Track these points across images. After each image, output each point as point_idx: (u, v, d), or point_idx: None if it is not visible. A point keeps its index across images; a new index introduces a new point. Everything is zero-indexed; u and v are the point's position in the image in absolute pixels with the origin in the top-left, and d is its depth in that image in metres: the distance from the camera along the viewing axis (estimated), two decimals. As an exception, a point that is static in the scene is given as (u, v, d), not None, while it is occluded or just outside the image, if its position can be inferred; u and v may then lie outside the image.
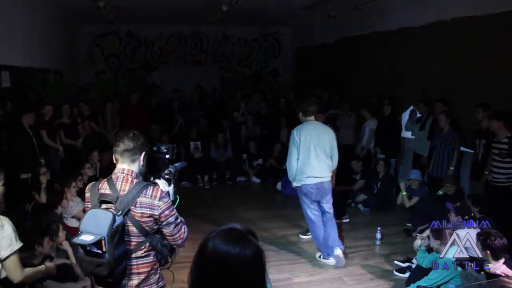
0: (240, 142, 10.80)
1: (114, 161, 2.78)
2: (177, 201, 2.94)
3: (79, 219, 5.99)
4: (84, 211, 2.76)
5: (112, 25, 12.37)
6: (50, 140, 7.61)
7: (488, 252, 3.75)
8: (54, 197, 5.61)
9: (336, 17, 9.63)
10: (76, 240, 2.50)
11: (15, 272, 3.09)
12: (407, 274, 5.02)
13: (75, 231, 5.82)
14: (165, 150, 3.11)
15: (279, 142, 10.04)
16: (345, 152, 8.94)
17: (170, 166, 3.03)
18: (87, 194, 2.78)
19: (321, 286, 4.96)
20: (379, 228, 6.21)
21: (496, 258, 3.75)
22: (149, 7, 10.37)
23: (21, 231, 3.54)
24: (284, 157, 9.64)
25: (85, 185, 6.79)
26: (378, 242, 6.15)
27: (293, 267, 5.42)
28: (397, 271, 5.26)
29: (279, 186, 9.01)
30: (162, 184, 2.85)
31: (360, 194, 7.89)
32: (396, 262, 5.46)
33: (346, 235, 6.55)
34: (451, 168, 6.73)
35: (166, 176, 2.94)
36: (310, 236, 6.03)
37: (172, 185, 2.95)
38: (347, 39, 10.46)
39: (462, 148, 6.90)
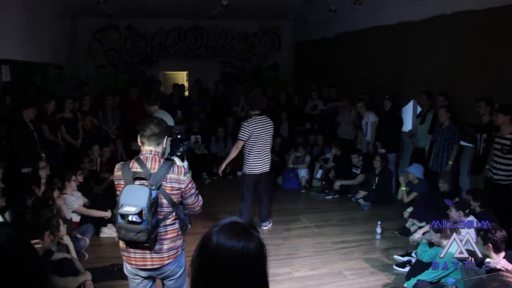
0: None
1: (140, 144, 3.17)
2: (190, 174, 3.30)
3: (79, 214, 6.03)
4: (117, 189, 3.18)
5: (112, 19, 12.32)
6: (51, 135, 7.61)
7: (490, 245, 3.76)
8: (47, 193, 5.61)
9: (336, 11, 9.60)
10: (121, 210, 2.91)
11: None
12: (406, 269, 5.04)
13: (75, 226, 5.87)
14: (177, 131, 3.72)
15: (279, 137, 10.03)
16: (345, 147, 8.98)
17: (182, 144, 3.62)
18: (118, 173, 3.14)
19: (321, 281, 4.97)
20: (379, 223, 6.22)
21: (498, 250, 3.76)
22: (149, 1, 10.33)
23: (21, 225, 3.55)
24: (284, 152, 9.75)
25: (85, 179, 6.88)
26: (378, 237, 6.16)
27: (293, 262, 5.43)
28: (396, 265, 5.27)
29: (279, 180, 9.03)
30: (177, 160, 3.37)
31: (360, 189, 7.90)
32: (395, 256, 5.47)
33: (347, 229, 6.57)
34: (450, 162, 6.73)
35: (179, 154, 3.49)
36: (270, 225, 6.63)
37: (185, 161, 3.47)
38: (347, 33, 10.42)
39: (462, 143, 6.89)
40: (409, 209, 6.43)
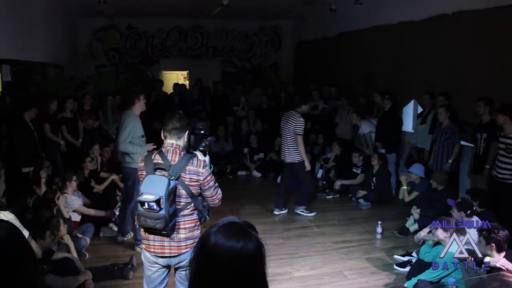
0: (241, 136, 10.81)
1: (163, 138, 3.33)
2: (212, 168, 3.50)
3: (80, 213, 6.03)
4: (139, 179, 3.31)
5: (112, 19, 12.33)
6: (53, 134, 7.61)
7: (494, 245, 3.75)
8: (48, 195, 5.61)
9: (336, 11, 9.59)
10: (141, 198, 3.06)
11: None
12: (407, 269, 5.03)
13: (76, 225, 5.88)
14: (201, 127, 3.87)
15: (279, 136, 10.03)
16: (344, 146, 8.99)
17: (205, 140, 3.77)
18: (141, 164, 3.30)
19: (322, 280, 4.97)
20: (379, 222, 6.22)
21: (500, 250, 3.76)
22: (149, 1, 10.34)
23: (22, 225, 3.57)
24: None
25: (86, 179, 6.88)
26: (378, 236, 6.16)
27: (293, 261, 5.43)
28: (397, 265, 5.27)
29: (279, 180, 9.01)
30: (200, 155, 3.51)
31: (360, 189, 7.90)
32: (396, 256, 5.46)
33: (347, 229, 6.57)
34: (450, 161, 6.72)
35: (202, 148, 3.66)
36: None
37: (207, 155, 3.62)
38: (347, 33, 10.41)
39: (462, 142, 6.89)
40: (418, 210, 6.39)
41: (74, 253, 4.96)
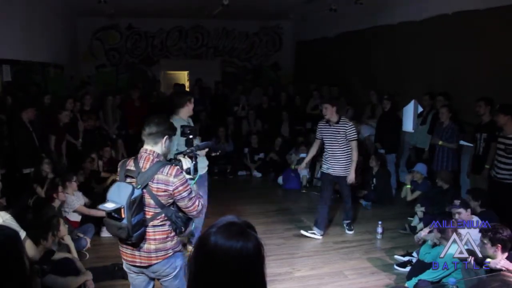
0: (241, 136, 10.81)
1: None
2: (197, 176, 3.37)
3: (80, 214, 6.03)
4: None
5: (112, 18, 12.33)
6: (56, 148, 7.57)
7: (499, 246, 3.73)
8: (50, 191, 5.61)
9: (337, 11, 9.59)
10: (101, 206, 2.97)
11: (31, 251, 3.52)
12: (407, 269, 5.03)
13: (76, 225, 5.88)
14: (188, 131, 3.63)
15: (280, 136, 10.04)
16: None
17: (194, 145, 3.54)
18: (118, 169, 3.22)
19: (322, 280, 4.97)
20: (380, 222, 6.21)
21: (506, 250, 3.75)
22: (150, 1, 10.33)
23: (22, 225, 3.57)
24: (285, 151, 9.76)
25: (86, 179, 6.89)
26: (379, 236, 6.16)
27: (294, 261, 5.43)
28: (397, 265, 5.27)
29: (280, 180, 9.03)
30: (185, 161, 3.29)
31: (359, 188, 7.89)
32: (396, 256, 5.47)
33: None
34: (440, 142, 6.70)
35: (190, 154, 3.42)
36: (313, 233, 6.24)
37: (194, 161, 3.38)
38: (348, 33, 10.42)
39: (462, 142, 6.89)
40: (422, 209, 6.39)
41: (75, 253, 4.96)
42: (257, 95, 11.95)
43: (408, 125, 8.78)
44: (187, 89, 12.87)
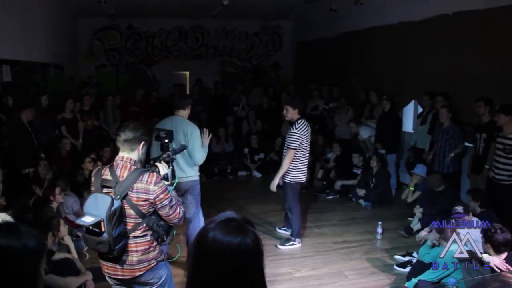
0: (241, 137, 10.80)
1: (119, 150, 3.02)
2: (175, 182, 3.22)
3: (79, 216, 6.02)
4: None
5: (112, 18, 12.33)
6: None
7: (489, 245, 3.75)
8: (47, 192, 5.61)
9: (337, 11, 9.59)
10: (79, 221, 2.85)
11: None
12: (407, 269, 5.03)
13: (76, 225, 5.87)
14: (164, 135, 3.46)
15: (280, 136, 10.03)
16: (344, 146, 8.99)
17: (170, 150, 3.35)
18: (92, 179, 3.05)
19: (322, 281, 4.97)
20: (379, 223, 6.21)
21: (498, 251, 3.75)
22: (150, 0, 10.33)
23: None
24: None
25: (86, 179, 6.87)
26: (379, 237, 6.16)
27: (294, 262, 5.41)
28: (397, 265, 5.27)
29: (280, 180, 9.00)
30: (161, 167, 3.14)
31: (359, 188, 7.90)
32: (396, 256, 5.47)
33: (347, 229, 6.57)
34: (451, 154, 6.66)
35: (166, 158, 3.25)
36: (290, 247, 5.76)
37: (171, 167, 3.22)
38: (348, 33, 10.41)
39: (466, 144, 6.87)
40: (420, 209, 6.39)
41: (75, 254, 4.96)
42: (257, 95, 11.95)
43: (408, 125, 8.78)
44: (187, 90, 12.89)
